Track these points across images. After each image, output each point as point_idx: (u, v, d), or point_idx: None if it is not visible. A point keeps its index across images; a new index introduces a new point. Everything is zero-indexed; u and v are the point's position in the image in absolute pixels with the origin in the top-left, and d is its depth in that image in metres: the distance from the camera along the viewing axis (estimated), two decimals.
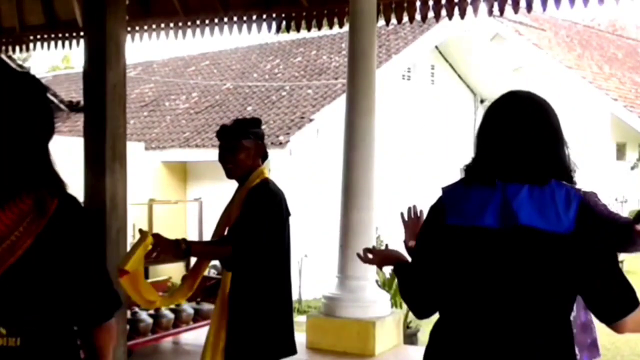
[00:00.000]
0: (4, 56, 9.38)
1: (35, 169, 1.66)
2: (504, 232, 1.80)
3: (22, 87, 1.69)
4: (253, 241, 3.02)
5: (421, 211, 2.42)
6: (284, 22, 6.04)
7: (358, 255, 2.33)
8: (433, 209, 1.97)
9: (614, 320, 1.80)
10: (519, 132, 1.86)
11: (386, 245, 3.45)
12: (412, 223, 2.45)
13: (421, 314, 2.00)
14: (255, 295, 3.10)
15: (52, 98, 10.80)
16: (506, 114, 1.91)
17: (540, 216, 1.78)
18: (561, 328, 1.84)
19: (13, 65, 10.07)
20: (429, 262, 1.93)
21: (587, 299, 1.83)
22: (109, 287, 1.75)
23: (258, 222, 3.04)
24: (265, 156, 3.28)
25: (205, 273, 7.52)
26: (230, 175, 3.22)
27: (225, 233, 3.23)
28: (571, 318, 2.29)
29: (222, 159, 3.21)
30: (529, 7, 5.07)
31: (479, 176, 1.89)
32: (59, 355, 1.67)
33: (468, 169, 1.94)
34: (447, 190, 1.96)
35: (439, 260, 1.89)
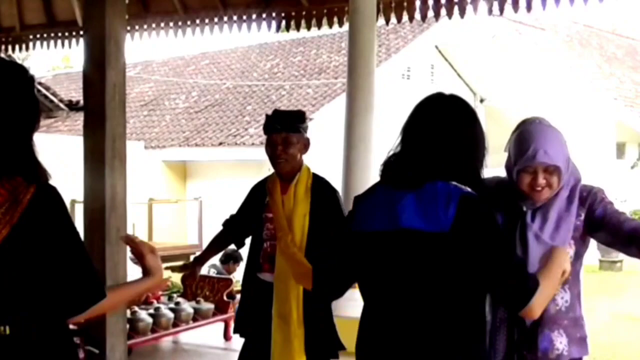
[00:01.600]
0: (3, 55, 9.37)
1: (12, 156, 1.65)
2: (391, 234, 1.91)
3: (6, 74, 1.70)
4: None
5: None
6: (283, 21, 6.03)
7: None
8: (348, 214, 2.14)
9: (521, 308, 1.83)
10: (417, 132, 1.96)
11: None
12: None
13: (322, 298, 2.30)
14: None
15: (51, 97, 10.79)
16: (412, 117, 2.01)
17: (421, 218, 1.86)
18: (463, 323, 1.87)
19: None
20: (335, 260, 2.11)
21: (490, 292, 1.93)
22: (89, 275, 1.71)
23: (343, 214, 3.15)
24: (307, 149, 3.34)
25: (205, 272, 7.54)
26: (278, 167, 3.24)
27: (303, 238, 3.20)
28: (562, 309, 2.29)
29: (273, 151, 3.21)
30: (529, 7, 5.06)
31: (384, 178, 2.02)
32: (51, 342, 1.67)
33: (381, 171, 2.04)
34: (359, 197, 2.09)
35: (344, 261, 2.07)
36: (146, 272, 1.85)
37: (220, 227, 3.60)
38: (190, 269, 3.59)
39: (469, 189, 1.88)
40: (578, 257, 2.31)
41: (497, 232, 1.88)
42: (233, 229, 3.52)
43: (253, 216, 3.36)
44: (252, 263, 3.37)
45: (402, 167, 1.95)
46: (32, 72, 1.78)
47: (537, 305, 1.83)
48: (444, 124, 1.94)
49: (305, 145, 3.28)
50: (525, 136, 2.26)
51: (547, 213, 2.28)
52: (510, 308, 1.91)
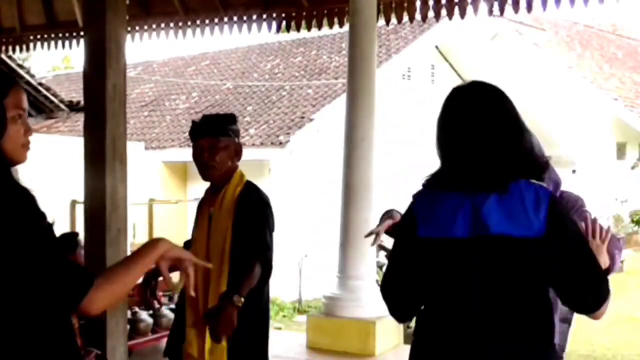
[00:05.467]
0: (4, 56, 9.37)
1: None
2: (476, 241, 1.79)
3: None
4: (271, 252, 2.87)
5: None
6: (284, 22, 6.04)
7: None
8: (405, 217, 1.98)
9: (590, 312, 1.84)
10: (478, 128, 1.84)
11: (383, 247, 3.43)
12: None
13: (400, 319, 2.04)
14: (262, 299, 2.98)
15: (52, 98, 10.80)
16: (462, 110, 1.88)
17: (510, 222, 1.76)
18: (540, 329, 1.83)
19: (13, 65, 10.06)
20: (404, 273, 1.93)
21: (563, 294, 1.84)
22: (66, 271, 1.63)
23: (269, 233, 2.89)
24: (240, 156, 3.05)
25: None
26: (208, 177, 2.96)
27: (226, 246, 2.89)
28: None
29: (201, 158, 2.92)
30: (529, 7, 5.07)
31: (447, 182, 1.87)
32: (35, 349, 1.61)
33: (437, 173, 1.93)
34: (418, 198, 1.94)
35: (415, 271, 1.89)
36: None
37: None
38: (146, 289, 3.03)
39: (549, 188, 1.85)
40: None
41: (581, 235, 1.87)
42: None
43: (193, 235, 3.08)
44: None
45: (473, 168, 1.83)
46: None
47: (604, 308, 1.84)
48: (496, 113, 1.85)
49: (237, 150, 3.00)
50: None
51: None
52: (581, 310, 1.87)
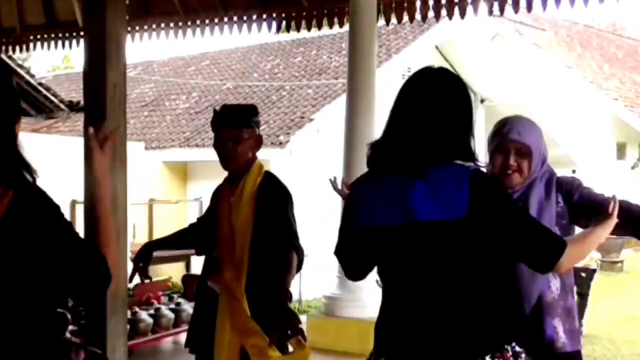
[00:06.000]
0: (4, 56, 9.37)
1: None
2: (405, 228, 1.83)
3: None
4: (299, 239, 2.92)
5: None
6: (284, 22, 6.04)
7: None
8: (346, 205, 2.06)
9: (551, 268, 1.86)
10: (413, 114, 1.87)
11: None
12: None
13: (353, 280, 2.18)
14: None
15: (52, 98, 10.79)
16: (402, 95, 1.93)
17: (434, 207, 1.78)
18: (488, 306, 1.84)
19: (13, 65, 10.06)
20: (350, 254, 2.06)
21: (517, 258, 1.90)
22: (94, 263, 1.68)
23: (294, 222, 2.93)
24: (260, 147, 3.04)
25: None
26: (230, 167, 2.96)
27: (246, 239, 2.88)
28: (555, 296, 2.32)
29: (223, 149, 2.93)
30: (529, 7, 5.07)
31: (380, 168, 1.92)
32: (40, 348, 1.63)
33: (370, 157, 1.96)
34: (356, 186, 2.00)
35: (360, 254, 2.01)
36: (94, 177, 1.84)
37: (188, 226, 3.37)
38: (143, 260, 3.09)
39: (473, 165, 1.84)
40: None
41: (512, 202, 1.88)
42: (194, 233, 3.27)
43: (211, 224, 3.08)
44: (205, 268, 3.10)
45: (400, 153, 1.86)
46: (7, 64, 1.68)
47: (566, 261, 1.85)
48: (436, 99, 1.87)
49: (257, 141, 2.99)
50: (503, 120, 2.41)
51: (527, 201, 2.33)
52: (541, 269, 1.91)
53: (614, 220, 2.14)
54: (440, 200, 1.78)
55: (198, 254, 3.29)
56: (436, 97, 1.87)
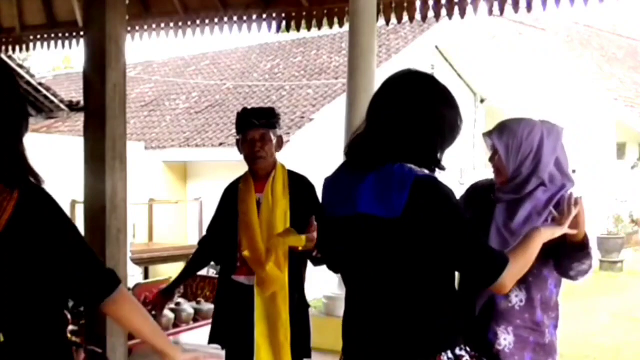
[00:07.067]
0: (4, 56, 9.37)
1: None
2: (351, 220, 1.89)
3: None
4: None
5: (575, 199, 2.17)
6: (284, 22, 6.03)
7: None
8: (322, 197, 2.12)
9: (489, 285, 1.86)
10: (381, 109, 1.94)
11: None
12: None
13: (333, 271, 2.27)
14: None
15: (52, 98, 10.80)
16: (378, 93, 2.00)
17: (377, 202, 1.84)
18: (425, 302, 1.85)
19: (13, 65, 10.06)
20: (322, 247, 2.25)
21: (458, 271, 1.94)
22: (97, 265, 1.70)
23: None
24: (282, 147, 3.29)
25: (205, 273, 7.52)
26: (257, 166, 3.16)
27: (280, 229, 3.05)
28: (516, 307, 2.26)
29: (252, 149, 3.13)
30: (529, 7, 5.06)
31: (349, 162, 2.00)
32: (46, 348, 1.65)
33: (345, 150, 2.04)
34: (327, 179, 2.08)
35: (327, 247, 2.13)
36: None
37: (197, 246, 3.49)
38: (161, 301, 3.37)
39: (425, 172, 1.85)
40: (546, 260, 2.23)
41: (453, 214, 1.84)
42: (210, 247, 3.38)
43: (228, 223, 3.21)
44: (227, 265, 3.23)
45: (364, 146, 1.93)
46: (9, 67, 1.69)
47: (508, 280, 1.85)
48: (408, 102, 1.91)
49: (279, 142, 3.23)
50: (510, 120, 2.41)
51: (517, 210, 2.29)
52: (481, 284, 1.92)
53: (564, 227, 2.08)
54: (382, 197, 1.83)
55: (218, 263, 3.42)
56: (409, 99, 1.91)
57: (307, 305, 3.30)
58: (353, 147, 1.97)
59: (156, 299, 3.37)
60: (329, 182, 2.04)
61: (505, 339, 2.26)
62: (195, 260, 3.44)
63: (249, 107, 3.31)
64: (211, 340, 3.29)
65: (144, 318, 1.81)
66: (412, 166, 1.85)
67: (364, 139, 1.94)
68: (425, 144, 1.90)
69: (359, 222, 1.87)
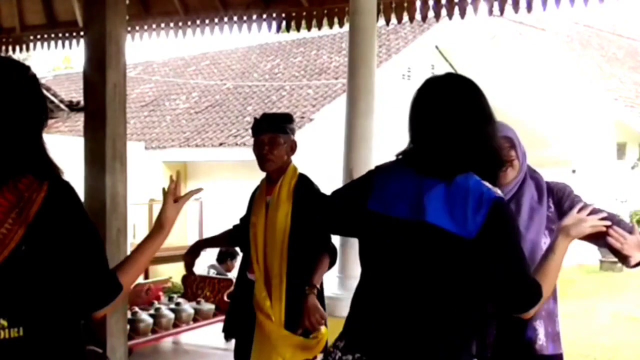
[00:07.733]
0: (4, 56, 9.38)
1: (21, 155, 1.65)
2: (411, 224, 1.83)
3: (6, 73, 1.70)
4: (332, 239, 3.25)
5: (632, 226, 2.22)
6: (284, 22, 6.03)
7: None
8: (363, 181, 2.02)
9: (522, 313, 1.86)
10: (442, 116, 1.89)
11: None
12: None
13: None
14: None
15: (52, 98, 10.80)
16: (431, 97, 1.95)
17: (448, 216, 1.79)
18: (457, 325, 1.85)
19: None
20: (335, 228, 2.20)
21: (494, 297, 1.89)
22: (106, 274, 1.72)
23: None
24: (295, 151, 3.39)
25: (204, 273, 7.52)
26: (266, 168, 3.27)
27: (284, 235, 3.18)
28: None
29: (261, 151, 3.23)
30: (529, 7, 5.06)
31: (407, 162, 1.94)
32: (63, 344, 1.66)
33: (406, 151, 1.98)
34: (379, 171, 2.01)
35: (357, 237, 2.02)
36: (158, 222, 1.93)
37: (230, 227, 3.64)
38: (192, 255, 3.47)
39: (498, 191, 1.84)
40: None
41: (518, 241, 1.85)
42: (239, 232, 3.53)
43: (248, 222, 3.39)
44: (243, 262, 3.43)
45: (432, 153, 1.88)
46: (33, 70, 1.78)
47: (535, 311, 1.87)
48: (477, 111, 1.92)
49: (292, 146, 3.33)
50: None
51: (520, 204, 2.33)
52: (511, 312, 1.90)
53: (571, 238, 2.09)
54: (455, 212, 1.79)
55: (242, 250, 3.56)
56: (476, 109, 1.93)
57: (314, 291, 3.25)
58: (414, 152, 1.94)
59: (186, 259, 3.43)
60: (384, 178, 1.96)
61: (541, 332, 2.32)
62: (228, 233, 3.59)
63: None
64: (224, 331, 3.47)
65: (138, 267, 1.86)
66: (487, 184, 1.83)
67: (432, 145, 1.88)
68: (492, 155, 1.91)
69: (423, 231, 1.82)
